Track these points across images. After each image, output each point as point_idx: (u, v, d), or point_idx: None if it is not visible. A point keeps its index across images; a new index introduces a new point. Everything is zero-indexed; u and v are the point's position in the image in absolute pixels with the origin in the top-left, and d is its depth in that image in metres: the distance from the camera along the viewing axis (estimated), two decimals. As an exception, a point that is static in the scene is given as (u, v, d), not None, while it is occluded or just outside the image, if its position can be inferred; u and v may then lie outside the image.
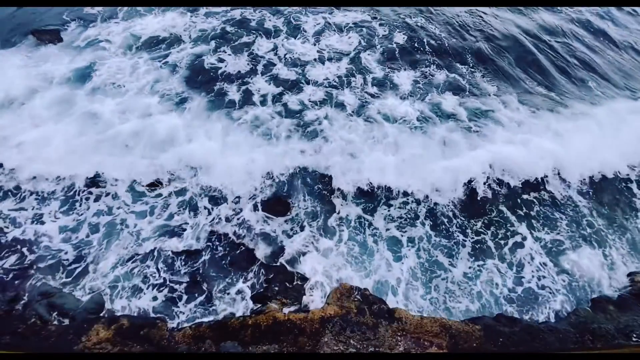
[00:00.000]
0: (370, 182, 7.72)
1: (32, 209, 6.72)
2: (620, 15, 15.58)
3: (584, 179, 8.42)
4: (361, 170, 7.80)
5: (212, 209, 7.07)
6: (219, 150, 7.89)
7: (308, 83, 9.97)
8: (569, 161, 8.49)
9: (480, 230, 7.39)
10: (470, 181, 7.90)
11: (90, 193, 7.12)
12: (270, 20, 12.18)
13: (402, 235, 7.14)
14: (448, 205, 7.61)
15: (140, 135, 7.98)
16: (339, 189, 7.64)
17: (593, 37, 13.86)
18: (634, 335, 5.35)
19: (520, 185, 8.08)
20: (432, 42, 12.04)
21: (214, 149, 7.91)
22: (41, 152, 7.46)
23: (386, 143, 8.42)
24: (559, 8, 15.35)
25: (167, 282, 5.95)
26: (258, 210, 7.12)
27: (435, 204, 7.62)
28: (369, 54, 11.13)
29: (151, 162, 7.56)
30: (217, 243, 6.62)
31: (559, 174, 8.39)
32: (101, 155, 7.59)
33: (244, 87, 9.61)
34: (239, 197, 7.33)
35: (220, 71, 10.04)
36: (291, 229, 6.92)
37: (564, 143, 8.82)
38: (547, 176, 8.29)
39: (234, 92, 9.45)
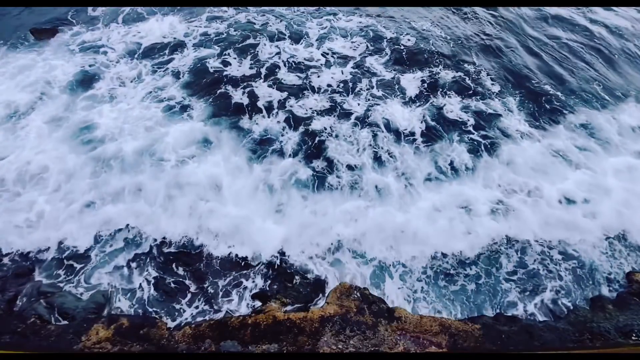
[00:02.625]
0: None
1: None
2: (624, 16, 15.64)
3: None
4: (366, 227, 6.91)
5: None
6: (225, 181, 7.32)
7: (313, 90, 9.77)
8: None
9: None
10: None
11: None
12: (273, 25, 12.17)
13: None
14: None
15: (143, 156, 7.62)
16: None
17: (596, 37, 13.87)
18: (633, 335, 5.36)
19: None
20: (438, 45, 12.04)
21: (219, 176, 7.38)
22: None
23: (392, 169, 7.90)
24: (563, 9, 15.44)
25: (167, 282, 5.95)
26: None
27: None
28: (374, 59, 11.05)
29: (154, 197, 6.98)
30: (217, 242, 6.59)
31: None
32: (99, 190, 6.99)
33: (248, 96, 9.37)
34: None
35: (224, 78, 9.88)
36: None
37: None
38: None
39: (238, 102, 9.17)
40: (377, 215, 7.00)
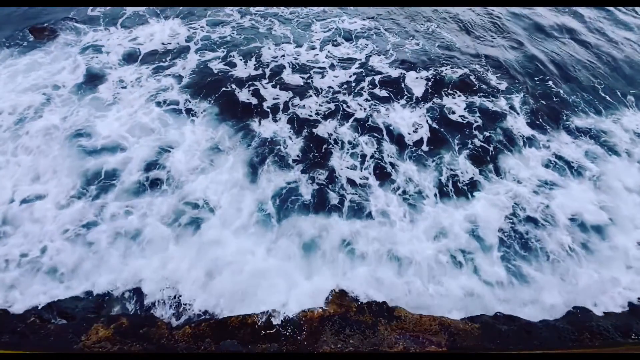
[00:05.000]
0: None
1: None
2: (627, 16, 15.77)
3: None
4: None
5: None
6: (225, 203, 7.04)
7: (317, 93, 9.74)
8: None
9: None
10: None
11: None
12: (278, 28, 12.21)
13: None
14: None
15: (147, 170, 7.38)
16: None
17: (600, 37, 14.00)
18: (633, 334, 5.37)
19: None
20: (443, 46, 12.11)
21: (221, 194, 7.17)
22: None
23: (395, 186, 7.63)
24: (566, 8, 15.57)
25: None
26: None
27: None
28: (378, 60, 11.06)
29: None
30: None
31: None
32: (100, 212, 6.63)
33: (253, 100, 9.33)
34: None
35: (227, 80, 9.83)
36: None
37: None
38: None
39: (242, 107, 9.12)
40: (377, 239, 6.71)
